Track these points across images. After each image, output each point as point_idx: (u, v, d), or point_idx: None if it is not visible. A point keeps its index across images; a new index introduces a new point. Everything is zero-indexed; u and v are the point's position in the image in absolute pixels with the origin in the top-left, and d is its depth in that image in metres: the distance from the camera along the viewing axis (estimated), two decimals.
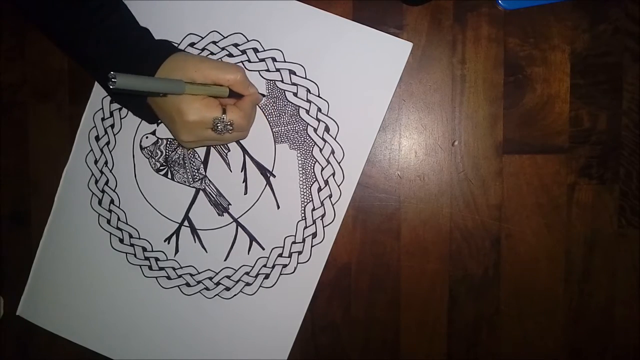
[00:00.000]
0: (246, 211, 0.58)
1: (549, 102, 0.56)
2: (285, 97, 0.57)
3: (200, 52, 0.58)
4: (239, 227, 0.58)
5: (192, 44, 0.58)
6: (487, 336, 0.58)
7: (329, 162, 0.56)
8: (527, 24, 0.55)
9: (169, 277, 0.59)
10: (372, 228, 0.58)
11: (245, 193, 0.58)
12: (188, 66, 0.49)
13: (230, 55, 0.57)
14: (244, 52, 0.57)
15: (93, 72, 0.55)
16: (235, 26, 0.57)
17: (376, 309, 0.58)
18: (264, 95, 0.57)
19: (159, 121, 0.57)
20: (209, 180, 0.58)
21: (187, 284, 0.59)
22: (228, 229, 0.58)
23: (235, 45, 0.57)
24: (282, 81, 0.57)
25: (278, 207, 0.58)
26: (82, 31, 0.51)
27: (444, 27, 0.56)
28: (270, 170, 0.58)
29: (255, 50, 0.57)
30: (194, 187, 0.58)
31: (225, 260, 0.58)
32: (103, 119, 0.59)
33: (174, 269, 0.59)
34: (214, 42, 0.57)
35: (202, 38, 0.58)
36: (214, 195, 0.58)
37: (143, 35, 0.53)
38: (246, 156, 0.58)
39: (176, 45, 0.57)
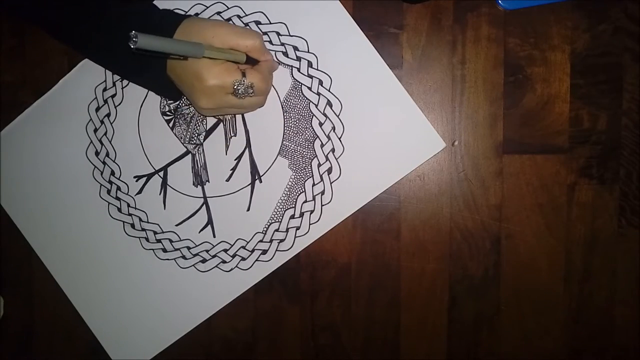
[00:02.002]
0: (218, 196, 0.59)
1: (549, 102, 0.56)
2: (311, 122, 0.57)
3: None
4: (204, 206, 0.59)
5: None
6: (487, 336, 0.58)
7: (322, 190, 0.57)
8: (527, 24, 0.55)
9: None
10: (372, 228, 0.58)
11: (227, 180, 0.58)
12: (206, 31, 0.49)
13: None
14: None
15: (104, 57, 0.55)
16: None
17: (376, 309, 0.58)
18: (280, 63, 0.57)
19: (183, 97, 0.57)
20: (203, 149, 0.59)
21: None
22: (193, 201, 0.59)
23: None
24: (309, 88, 0.57)
25: (248, 210, 0.58)
26: (87, 19, 0.51)
27: (444, 27, 0.56)
28: (260, 174, 0.58)
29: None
30: (186, 147, 0.59)
31: (177, 225, 0.59)
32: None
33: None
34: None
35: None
36: (199, 165, 0.59)
37: (150, 7, 0.53)
38: (247, 149, 0.58)
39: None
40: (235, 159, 0.58)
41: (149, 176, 0.60)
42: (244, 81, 0.49)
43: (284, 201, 0.58)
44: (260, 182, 0.58)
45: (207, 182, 0.59)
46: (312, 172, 0.57)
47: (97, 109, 0.60)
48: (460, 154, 0.56)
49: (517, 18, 0.55)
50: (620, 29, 0.55)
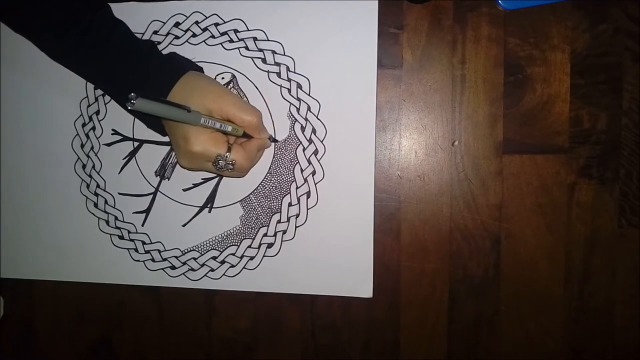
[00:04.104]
0: (168, 197, 0.59)
1: (549, 102, 0.56)
2: (293, 169, 0.57)
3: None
4: (151, 195, 0.59)
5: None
6: (487, 336, 0.58)
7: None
8: (527, 24, 0.55)
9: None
10: (372, 228, 0.57)
11: (184, 190, 0.59)
12: (208, 95, 0.48)
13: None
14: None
15: (102, 86, 0.56)
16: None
17: (376, 309, 0.58)
18: (275, 141, 0.57)
19: None
20: None
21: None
22: (146, 186, 0.59)
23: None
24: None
25: (183, 226, 0.59)
26: (90, 48, 0.50)
27: (444, 27, 0.56)
28: (213, 206, 0.58)
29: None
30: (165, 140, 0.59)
31: (120, 194, 0.60)
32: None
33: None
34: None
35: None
36: (170, 160, 0.59)
37: (152, 46, 0.52)
38: (218, 178, 0.58)
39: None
40: (202, 178, 0.59)
41: (125, 139, 0.59)
42: (227, 156, 0.49)
43: (214, 241, 0.59)
44: (209, 212, 0.58)
45: (167, 180, 0.59)
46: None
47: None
48: (460, 154, 0.56)
49: (517, 18, 0.55)
50: (620, 29, 0.55)
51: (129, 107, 0.40)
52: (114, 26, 0.51)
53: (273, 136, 0.57)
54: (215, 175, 0.58)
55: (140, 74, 0.50)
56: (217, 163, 0.49)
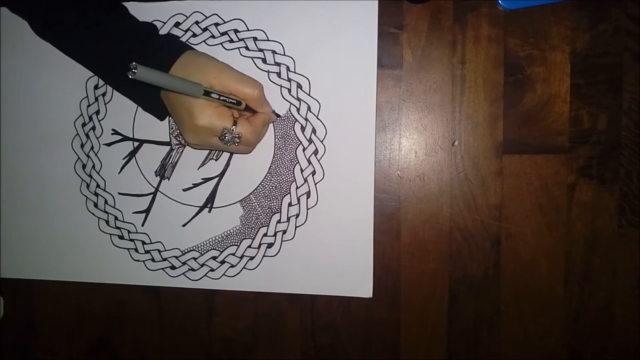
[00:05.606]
0: (168, 196, 0.59)
1: (549, 102, 0.56)
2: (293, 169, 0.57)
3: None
4: (151, 195, 0.59)
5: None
6: (487, 336, 0.58)
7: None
8: (527, 24, 0.55)
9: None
10: (372, 228, 0.57)
11: (184, 190, 0.59)
12: (208, 70, 0.48)
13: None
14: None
15: (101, 67, 0.55)
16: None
17: (376, 309, 0.58)
18: (278, 116, 0.57)
19: (168, 116, 0.57)
20: (183, 151, 0.59)
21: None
22: (146, 185, 0.59)
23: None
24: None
25: (183, 226, 0.59)
26: (89, 28, 0.50)
27: (444, 27, 0.56)
28: (213, 206, 0.58)
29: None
30: (170, 138, 0.58)
31: (121, 194, 0.60)
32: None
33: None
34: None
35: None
36: (170, 160, 0.59)
37: (153, 28, 0.53)
38: (218, 178, 0.58)
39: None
40: (202, 178, 0.58)
41: (125, 139, 0.59)
42: (232, 129, 0.49)
43: (214, 241, 0.58)
44: (209, 212, 0.58)
45: (167, 180, 0.59)
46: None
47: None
48: (460, 154, 0.56)
49: (517, 18, 0.55)
50: (620, 29, 0.55)
51: (130, 77, 0.40)
52: (112, 9, 0.51)
53: (275, 111, 0.56)
54: (215, 175, 0.58)
55: (138, 54, 0.50)
56: (224, 137, 0.49)
